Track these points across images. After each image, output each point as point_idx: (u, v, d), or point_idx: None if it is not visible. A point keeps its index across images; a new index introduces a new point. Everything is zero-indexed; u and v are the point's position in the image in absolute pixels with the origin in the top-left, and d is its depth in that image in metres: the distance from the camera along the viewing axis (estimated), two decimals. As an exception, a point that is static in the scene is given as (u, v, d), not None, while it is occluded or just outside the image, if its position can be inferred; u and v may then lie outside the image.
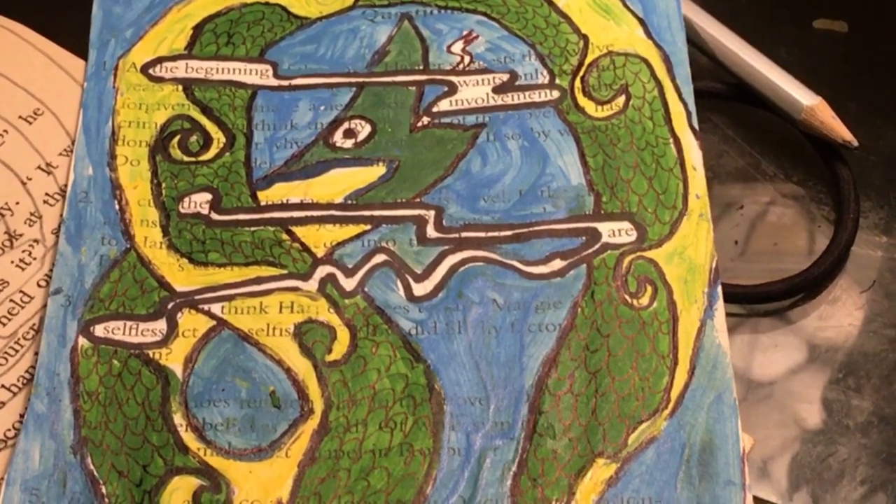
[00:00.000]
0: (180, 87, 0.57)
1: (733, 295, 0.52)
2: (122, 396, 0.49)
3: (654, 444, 0.47)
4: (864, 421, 0.50)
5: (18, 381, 0.50)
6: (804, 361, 0.51)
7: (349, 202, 0.54)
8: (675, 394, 0.48)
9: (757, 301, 0.53)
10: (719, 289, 0.50)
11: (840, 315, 0.53)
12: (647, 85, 0.56)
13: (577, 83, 0.56)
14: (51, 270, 0.52)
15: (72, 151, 0.55)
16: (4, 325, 0.51)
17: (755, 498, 0.47)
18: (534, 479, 0.47)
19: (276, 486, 0.47)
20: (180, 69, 0.58)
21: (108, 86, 0.57)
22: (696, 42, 0.58)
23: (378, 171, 0.55)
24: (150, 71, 0.58)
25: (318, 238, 0.53)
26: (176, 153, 0.55)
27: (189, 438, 0.48)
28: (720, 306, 0.50)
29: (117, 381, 0.49)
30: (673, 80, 0.56)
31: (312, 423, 0.48)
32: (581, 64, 0.57)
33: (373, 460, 0.47)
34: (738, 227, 0.55)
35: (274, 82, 0.58)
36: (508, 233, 0.52)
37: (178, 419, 0.48)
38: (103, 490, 0.47)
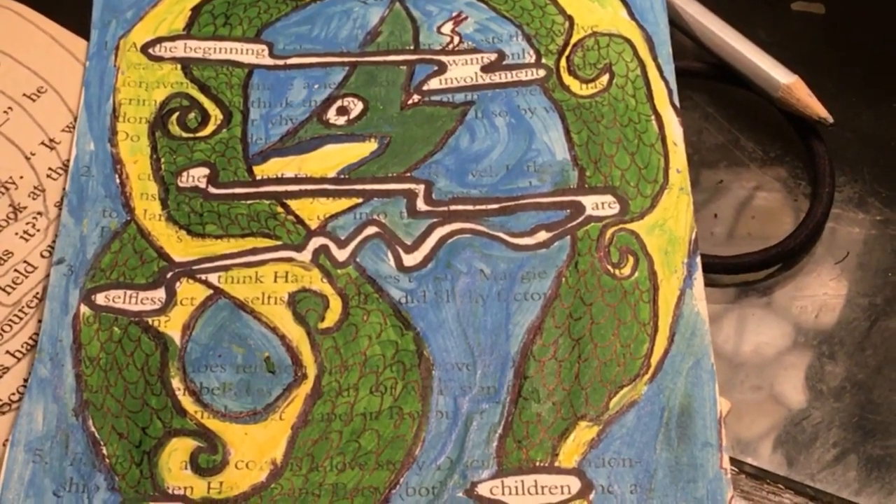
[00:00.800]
0: (179, 66, 0.58)
1: (712, 265, 0.52)
2: (123, 362, 0.49)
3: (634, 408, 0.48)
4: (837, 386, 0.51)
5: (22, 347, 0.50)
6: (780, 329, 0.52)
7: (342, 176, 0.54)
8: (655, 360, 0.49)
9: (735, 271, 0.53)
10: (698, 259, 0.51)
11: (815, 285, 0.53)
12: (630, 64, 0.57)
13: (563, 62, 0.57)
14: (54, 241, 0.53)
15: (74, 128, 0.56)
16: (9, 293, 0.51)
17: (731, 459, 0.48)
18: (518, 440, 0.48)
19: (271, 447, 0.48)
20: (179, 49, 0.58)
21: (110, 65, 0.58)
22: (677, 23, 0.59)
23: (370, 146, 0.55)
24: (150, 50, 0.58)
25: (312, 211, 0.53)
26: (175, 129, 0.56)
27: (187, 402, 0.49)
28: (699, 276, 0.51)
29: (118, 347, 0.50)
30: (655, 59, 0.57)
31: (305, 387, 0.49)
32: (566, 44, 0.58)
33: (364, 423, 0.48)
34: (718, 200, 0.56)
35: (269, 62, 0.58)
36: (495, 206, 0.53)
37: (176, 383, 0.49)
38: (104, 451, 0.47)
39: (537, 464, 0.47)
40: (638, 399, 0.48)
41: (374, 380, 0.49)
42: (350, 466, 0.47)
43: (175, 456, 0.48)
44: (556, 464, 0.47)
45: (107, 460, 0.47)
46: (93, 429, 0.48)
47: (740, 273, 0.53)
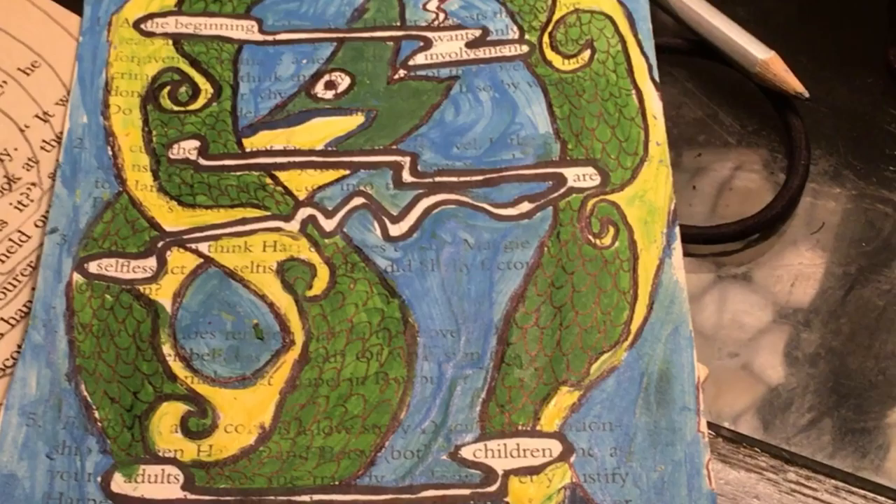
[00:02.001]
0: (170, 42, 0.57)
1: (690, 235, 0.52)
2: (114, 328, 0.49)
3: (614, 373, 0.48)
4: (812, 353, 0.50)
5: (16, 314, 0.50)
6: (757, 298, 0.52)
7: (329, 149, 0.54)
8: (634, 327, 0.49)
9: (713, 241, 0.53)
10: (677, 229, 0.51)
11: (791, 255, 0.53)
12: (611, 40, 0.56)
13: (546, 38, 0.57)
14: (47, 211, 0.52)
15: (67, 101, 0.55)
16: (3, 262, 0.51)
17: (709, 423, 0.47)
18: (501, 405, 0.47)
19: (259, 411, 0.47)
20: (170, 24, 0.58)
21: (102, 40, 0.57)
22: (657, 0, 0.58)
23: (357, 120, 0.55)
24: (142, 26, 0.58)
25: (300, 182, 0.53)
26: (166, 103, 0.55)
27: (177, 367, 0.48)
28: (678, 246, 0.50)
29: (110, 314, 0.49)
30: (635, 35, 0.56)
31: (293, 353, 0.49)
32: (549, 20, 0.57)
33: (350, 388, 0.48)
34: (696, 172, 0.56)
35: (259, 37, 0.58)
36: (479, 178, 0.53)
37: (166, 350, 0.49)
38: (96, 415, 0.47)
39: (520, 428, 0.47)
40: (618, 365, 0.48)
41: (360, 346, 0.49)
42: (337, 430, 0.47)
43: (166, 420, 0.47)
44: (538, 428, 0.47)
45: (99, 424, 0.47)
46: (85, 393, 0.47)
47: (718, 243, 0.53)
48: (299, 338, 0.49)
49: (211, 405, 0.47)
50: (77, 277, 0.50)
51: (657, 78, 0.55)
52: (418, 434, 0.47)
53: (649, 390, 0.47)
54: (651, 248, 0.50)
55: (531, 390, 0.47)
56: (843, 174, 0.55)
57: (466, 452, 0.46)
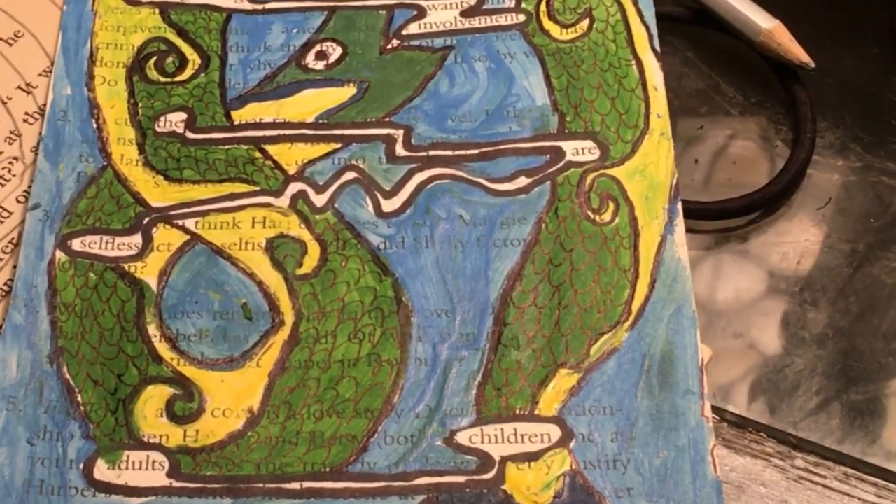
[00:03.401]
0: (157, 11, 0.54)
1: (693, 211, 0.49)
2: (98, 308, 0.46)
3: (615, 355, 0.45)
4: (820, 333, 0.47)
5: (-4, 293, 0.47)
6: (762, 276, 0.49)
7: (320, 121, 0.51)
8: (636, 306, 0.46)
9: (716, 217, 0.50)
10: (679, 205, 0.47)
11: (796, 231, 0.50)
12: (610, 9, 0.53)
13: (543, 7, 0.53)
14: (30, 187, 0.49)
15: (51, 72, 0.52)
16: (-17, 239, 0.48)
17: (713, 407, 0.44)
18: (498, 388, 0.44)
19: (248, 395, 0.44)
20: (157, -8, 0.55)
21: (87, 9, 0.54)
22: (657, -32, 0.55)
23: (349, 91, 0.52)
24: (128, -6, 0.54)
25: (290, 156, 0.50)
26: (152, 74, 0.52)
27: (163, 349, 0.45)
28: (680, 222, 0.47)
29: (93, 293, 0.46)
30: (635, 4, 0.53)
31: (283, 334, 0.46)
32: (547, -12, 0.54)
33: (342, 370, 0.45)
34: (699, 145, 0.53)
35: (248, 6, 0.54)
36: (475, 151, 0.50)
37: (152, 330, 0.46)
38: (79, 398, 0.44)
39: (517, 412, 0.44)
40: (618, 346, 0.45)
41: (352, 326, 0.46)
42: (328, 414, 0.44)
43: (151, 404, 0.44)
44: (536, 412, 0.44)
45: (81, 408, 0.44)
46: (67, 376, 0.44)
47: (721, 219, 0.50)
48: (289, 318, 0.46)
49: (198, 388, 0.45)
50: (60, 255, 0.47)
51: (658, 48, 0.51)
52: (412, 419, 0.44)
53: (651, 373, 0.44)
54: (652, 224, 0.47)
55: (529, 373, 0.44)
56: (849, 147, 0.52)
57: (462, 438, 0.43)
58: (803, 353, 0.47)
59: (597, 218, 0.48)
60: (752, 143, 0.52)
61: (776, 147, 0.52)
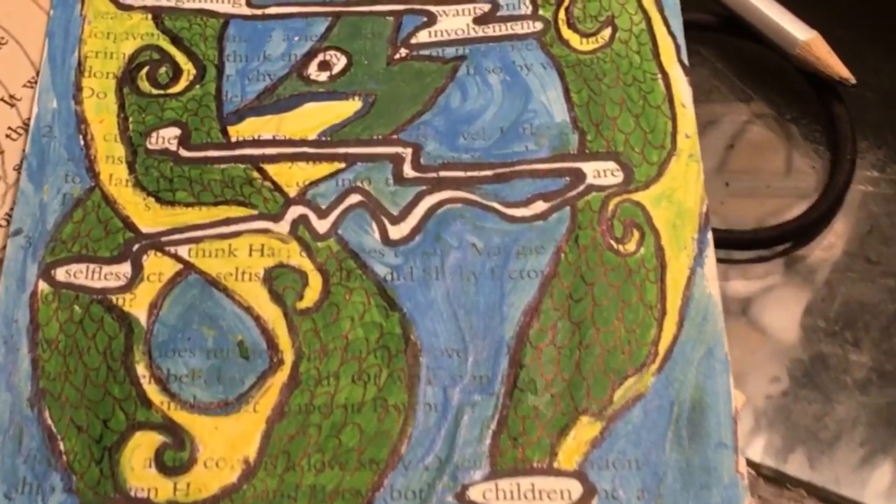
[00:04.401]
0: (150, 16, 0.50)
1: (723, 241, 0.45)
2: (84, 345, 0.42)
3: (640, 402, 0.40)
4: (863, 377, 0.43)
5: (-26, 328, 0.43)
6: (798, 312, 0.44)
7: (323, 138, 0.46)
8: (663, 347, 0.41)
9: (748, 247, 0.46)
10: (710, 235, 0.43)
11: (836, 262, 0.45)
12: (634, 17, 0.48)
13: (562, 14, 0.49)
14: (11, 210, 0.45)
15: (36, 83, 0.48)
16: (-39, 268, 0.44)
17: (747, 461, 0.40)
18: (514, 438, 0.40)
19: (244, 443, 0.40)
20: (150, -4, 0.50)
21: (75, 13, 0.50)
22: (685, -29, 0.50)
23: (353, 105, 0.47)
24: (119, -2, 0.50)
25: (291, 177, 0.45)
26: (144, 85, 0.48)
27: (152, 391, 0.41)
28: (710, 253, 0.43)
29: (78, 328, 0.42)
30: (661, 11, 0.48)
31: (282, 375, 0.42)
32: (566, -7, 0.50)
33: (345, 416, 0.41)
34: (729, 167, 0.48)
35: (247, 11, 0.50)
36: (489, 172, 0.45)
37: (140, 370, 0.42)
38: (61, 446, 0.40)
39: (534, 465, 0.40)
40: (644, 392, 0.41)
41: (356, 367, 0.41)
42: (330, 466, 0.40)
43: (138, 453, 0.40)
44: (555, 465, 0.40)
45: (64, 457, 0.40)
46: (49, 421, 0.40)
47: (754, 249, 0.46)
48: (288, 357, 0.42)
49: (189, 436, 0.40)
50: (43, 286, 0.43)
51: (686, 61, 0.47)
52: (421, 471, 0.40)
53: (680, 422, 0.40)
54: (681, 255, 0.43)
55: (547, 421, 0.40)
56: (892, 168, 0.48)
57: (475, 493, 0.39)
58: (845, 400, 0.42)
59: (620, 248, 0.43)
60: (787, 166, 0.48)
61: (814, 168, 0.47)
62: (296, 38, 0.49)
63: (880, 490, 0.41)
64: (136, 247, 0.44)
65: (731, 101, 0.50)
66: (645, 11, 0.48)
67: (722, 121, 0.49)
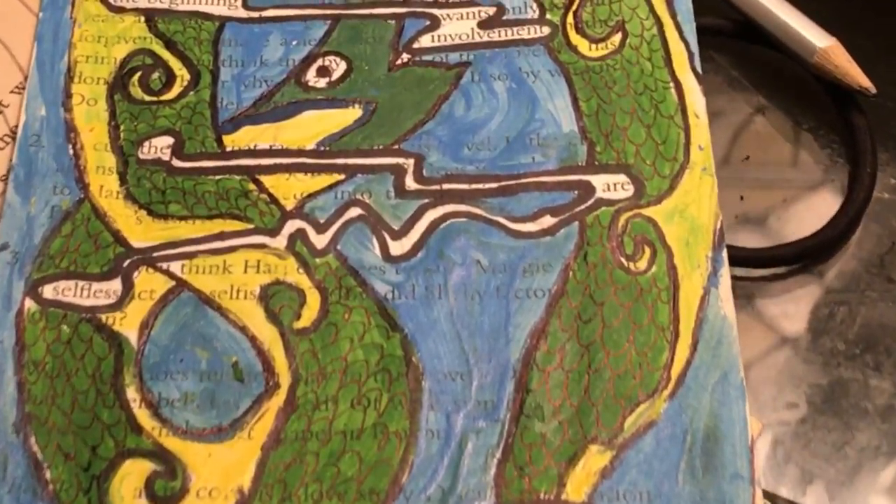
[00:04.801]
0: (142, 19, 0.47)
1: (738, 258, 0.43)
2: (72, 367, 0.40)
3: (652, 430, 0.38)
4: (885, 404, 0.41)
5: (-43, 349, 0.40)
6: (816, 335, 0.42)
7: (322, 148, 0.44)
8: (675, 372, 0.39)
9: (763, 265, 0.43)
10: (724, 253, 0.41)
11: (856, 282, 0.43)
12: (645, 22, 0.46)
13: (570, 18, 0.47)
14: (-3, 223, 0.43)
15: (24, 89, 0.46)
16: (-55, 284, 0.42)
17: (763, 492, 0.38)
18: (520, 467, 0.38)
19: (238, 471, 0.38)
20: (143, -3, 0.48)
21: (65, 16, 0.47)
22: (698, -26, 0.48)
23: (353, 113, 0.45)
24: (111, 0, 0.48)
25: (288, 189, 0.43)
26: (136, 92, 0.46)
27: (143, 416, 0.39)
28: (725, 273, 0.41)
29: (66, 349, 0.40)
30: (673, 16, 0.46)
31: (278, 399, 0.39)
32: (574, -3, 0.47)
33: (343, 443, 0.39)
34: (744, 179, 0.46)
35: (243, 13, 0.48)
36: (494, 185, 0.43)
37: (131, 393, 0.39)
38: (47, 475, 0.38)
39: (542, 496, 0.38)
40: (657, 419, 0.39)
41: (355, 391, 0.39)
42: (328, 496, 0.38)
43: (128, 482, 0.38)
44: (563, 496, 0.38)
45: (50, 486, 0.38)
46: (35, 448, 0.38)
47: (770, 267, 0.43)
48: (285, 380, 0.40)
49: (181, 463, 0.39)
50: (30, 304, 0.41)
51: (699, 69, 0.45)
52: (423, 502, 0.38)
53: (694, 452, 0.38)
54: (694, 274, 0.41)
55: (555, 449, 0.38)
56: (914, 182, 0.46)
57: (479, 527, 0.37)
58: (867, 428, 0.40)
59: (631, 266, 0.41)
60: (804, 177, 0.46)
61: (833, 182, 0.45)
62: (294, 43, 0.47)
63: (903, 525, 0.39)
64: (126, 262, 0.42)
65: (746, 110, 0.47)
66: (657, 16, 0.46)
67: (736, 131, 0.47)
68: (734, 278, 0.41)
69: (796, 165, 0.46)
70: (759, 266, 0.43)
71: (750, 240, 0.44)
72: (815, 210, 0.45)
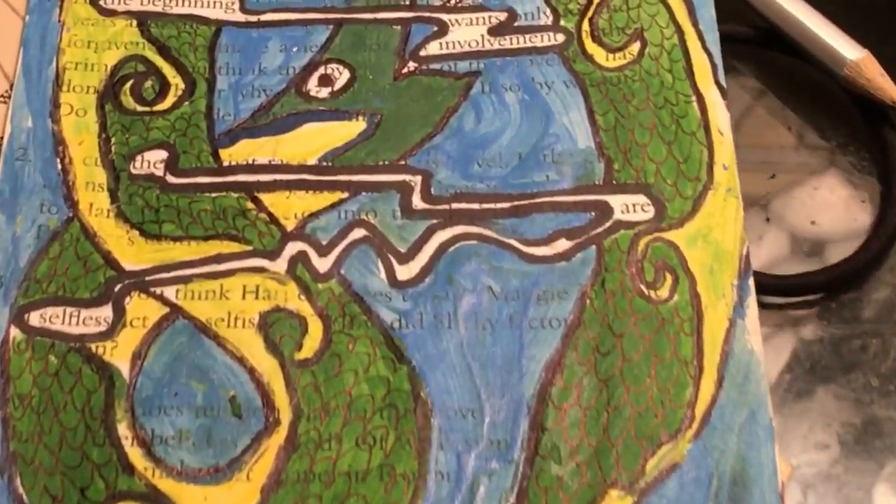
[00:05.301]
0: (134, 23, 0.45)
1: (764, 286, 0.40)
2: (59, 401, 0.37)
3: (676, 473, 0.36)
4: (925, 446, 0.38)
5: (-61, 382, 0.38)
6: (848, 368, 0.40)
7: (324, 164, 0.41)
8: (700, 410, 0.37)
9: (790, 294, 0.41)
10: (751, 281, 0.38)
11: (889, 311, 0.41)
12: (665, 30, 0.43)
13: (585, 25, 0.44)
14: (-19, 244, 0.40)
15: (10, 98, 0.43)
16: (-75, 310, 0.39)
17: (794, 542, 0.36)
18: (535, 513, 0.36)
19: (236, 516, 0.36)
20: (135, 0, 0.45)
21: (53, 19, 0.45)
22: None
23: (357, 126, 0.42)
24: (101, 2, 0.45)
25: (289, 207, 0.41)
26: (128, 101, 0.43)
27: (135, 455, 0.37)
28: (752, 303, 0.38)
29: (54, 381, 0.38)
30: (695, 24, 0.43)
31: (278, 437, 0.37)
32: (590, 3, 0.44)
33: (348, 485, 0.36)
34: (769, 200, 0.43)
35: (241, 17, 0.45)
36: (506, 205, 0.41)
37: (122, 430, 0.37)
38: (33, 519, 0.35)
39: (558, 544, 0.35)
40: (680, 462, 0.36)
41: (360, 428, 0.37)
42: (331, 543, 0.35)
43: (119, 527, 0.36)
44: (582, 545, 0.35)
45: (36, 532, 0.35)
46: (21, 490, 0.36)
47: (797, 296, 0.41)
48: (286, 416, 0.37)
49: (176, 507, 0.36)
50: (15, 333, 0.38)
51: (723, 81, 0.42)
52: (433, 551, 0.35)
53: (720, 497, 0.36)
54: (718, 304, 0.38)
55: (572, 493, 0.36)
56: (949, 203, 0.43)
57: (492, 580, 0.35)
58: (904, 472, 0.38)
59: (652, 294, 0.39)
60: (833, 197, 0.43)
61: (863, 202, 0.42)
62: (294, 49, 0.44)
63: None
64: (118, 287, 0.39)
65: (771, 124, 0.44)
66: (677, 24, 0.43)
67: (761, 147, 0.44)
68: (762, 305, 0.38)
69: (823, 185, 0.43)
70: (785, 294, 0.41)
71: (775, 264, 0.41)
72: (845, 233, 0.42)
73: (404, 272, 0.40)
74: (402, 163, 0.41)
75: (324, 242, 0.40)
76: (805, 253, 0.42)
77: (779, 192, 0.43)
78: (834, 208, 0.42)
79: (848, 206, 0.43)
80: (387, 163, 0.41)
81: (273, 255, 0.40)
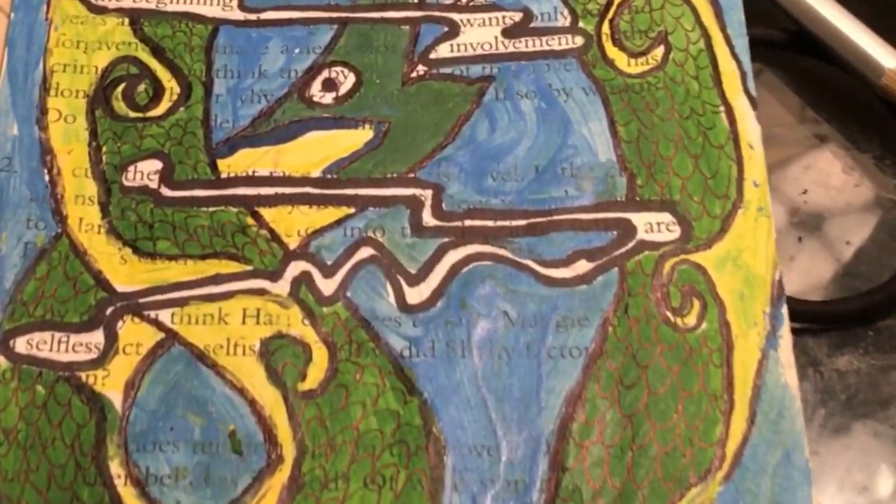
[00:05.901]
0: (126, 21, 0.42)
1: (796, 312, 0.37)
2: (47, 436, 0.35)
3: (706, 519, 0.33)
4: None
5: (-81, 415, 0.35)
6: (884, 403, 0.37)
7: (328, 176, 0.38)
8: (731, 449, 0.34)
9: (823, 321, 0.38)
10: (784, 309, 0.35)
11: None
12: (690, 34, 0.40)
13: (605, 28, 0.41)
14: (-37, 263, 0.37)
15: (-6, 103, 0.40)
16: None
17: None
18: (556, 561, 0.33)
19: (236, 563, 0.33)
20: (127, -3, 0.42)
21: (40, 17, 0.42)
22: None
23: (364, 135, 0.39)
24: (92, -1, 0.42)
25: (291, 224, 0.38)
26: (120, 107, 0.40)
27: (128, 495, 0.34)
28: (786, 333, 0.35)
29: (41, 414, 0.35)
30: (723, 28, 0.40)
31: (281, 475, 0.34)
32: (610, 4, 0.41)
33: (356, 530, 0.33)
34: (801, 218, 0.40)
35: (239, 15, 0.42)
36: (522, 222, 0.38)
37: (115, 468, 0.34)
38: (19, 568, 0.33)
39: None
40: (711, 507, 0.33)
41: (369, 467, 0.34)
42: None
43: (112, 575, 0.33)
44: None
45: (23, 580, 0.33)
46: (6, 533, 0.33)
47: (833, 323, 0.38)
48: (289, 452, 0.35)
49: (172, 553, 0.33)
50: (0, 361, 0.35)
51: (753, 91, 0.39)
52: None
53: (753, 546, 0.33)
54: (750, 333, 0.35)
55: (595, 540, 0.33)
56: None
57: None
58: (946, 516, 0.35)
59: (678, 321, 0.36)
60: (869, 217, 0.40)
61: (901, 222, 0.40)
62: (296, 50, 0.41)
63: None
64: (109, 310, 0.36)
65: (803, 134, 0.41)
66: (703, 28, 0.40)
67: (792, 160, 0.41)
68: (793, 330, 0.35)
69: (859, 201, 0.40)
70: (818, 322, 0.38)
71: (808, 289, 0.38)
72: (881, 256, 0.39)
73: (414, 295, 0.37)
74: (412, 175, 0.39)
75: (328, 262, 0.37)
76: (838, 277, 0.39)
77: (810, 209, 0.40)
78: (871, 227, 0.40)
79: (883, 224, 0.40)
80: (395, 175, 0.38)
81: (275, 275, 0.37)
